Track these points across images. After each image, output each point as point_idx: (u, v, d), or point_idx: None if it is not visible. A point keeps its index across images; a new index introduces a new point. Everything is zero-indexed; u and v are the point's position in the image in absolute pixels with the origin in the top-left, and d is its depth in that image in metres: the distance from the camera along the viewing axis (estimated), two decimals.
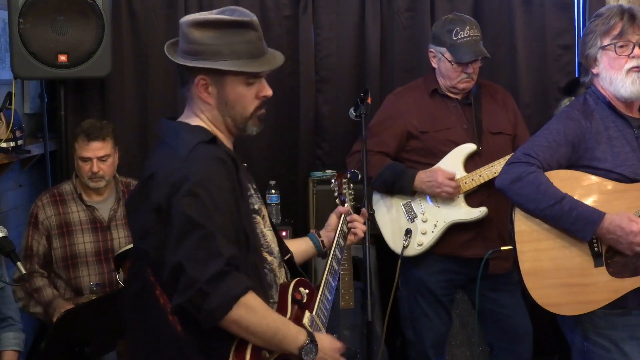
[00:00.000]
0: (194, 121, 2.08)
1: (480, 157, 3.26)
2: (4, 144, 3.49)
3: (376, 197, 3.38)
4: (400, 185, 3.24)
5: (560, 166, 2.62)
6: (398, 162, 3.29)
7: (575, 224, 2.52)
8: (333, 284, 2.27)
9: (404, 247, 3.25)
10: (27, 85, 4.01)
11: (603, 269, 2.56)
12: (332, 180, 2.64)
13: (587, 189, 2.58)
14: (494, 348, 3.48)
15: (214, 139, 2.01)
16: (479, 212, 3.23)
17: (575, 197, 2.54)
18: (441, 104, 3.33)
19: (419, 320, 3.37)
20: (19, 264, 2.66)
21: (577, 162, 2.62)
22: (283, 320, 1.96)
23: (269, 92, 2.10)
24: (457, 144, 3.27)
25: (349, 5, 4.13)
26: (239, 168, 2.00)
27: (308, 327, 2.02)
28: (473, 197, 3.25)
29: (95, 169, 3.41)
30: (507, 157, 3.12)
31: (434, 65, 3.35)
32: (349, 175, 2.64)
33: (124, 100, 4.12)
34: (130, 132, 4.10)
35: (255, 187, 2.14)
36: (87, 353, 2.72)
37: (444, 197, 3.22)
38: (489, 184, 3.21)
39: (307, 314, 2.07)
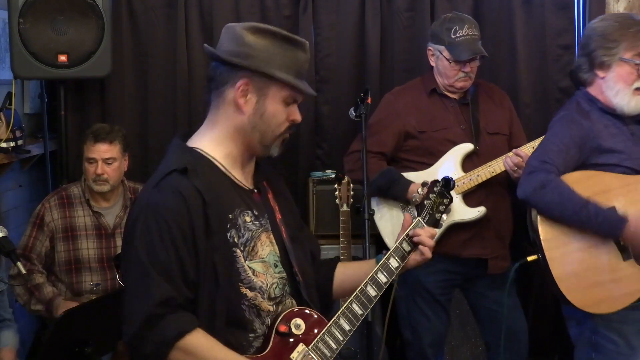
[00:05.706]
0: (207, 135, 1.99)
1: (478, 157, 3.27)
2: (4, 144, 3.49)
3: (376, 197, 3.37)
4: (393, 193, 3.25)
5: (570, 169, 2.67)
6: (393, 168, 3.29)
7: (602, 225, 2.58)
8: (360, 313, 2.03)
9: None
10: (27, 85, 4.01)
11: (632, 261, 2.63)
12: (418, 191, 2.15)
13: (602, 186, 2.64)
14: (492, 347, 3.49)
15: (185, 170, 1.89)
16: (478, 211, 3.24)
17: (593, 196, 2.60)
18: (439, 104, 3.33)
19: (417, 320, 3.38)
20: (19, 264, 2.67)
21: (585, 161, 2.68)
22: (230, 357, 1.88)
23: (299, 117, 2.03)
24: (455, 144, 3.28)
25: (349, 5, 4.12)
26: (206, 203, 1.87)
27: None
28: (471, 197, 3.26)
29: (99, 170, 3.39)
30: (504, 157, 3.15)
31: (432, 63, 3.35)
32: (441, 182, 2.14)
33: (124, 100, 4.11)
34: (130, 133, 4.06)
35: (256, 213, 1.98)
36: (87, 353, 2.73)
37: None
38: (487, 184, 3.23)
39: (300, 347, 1.96)
